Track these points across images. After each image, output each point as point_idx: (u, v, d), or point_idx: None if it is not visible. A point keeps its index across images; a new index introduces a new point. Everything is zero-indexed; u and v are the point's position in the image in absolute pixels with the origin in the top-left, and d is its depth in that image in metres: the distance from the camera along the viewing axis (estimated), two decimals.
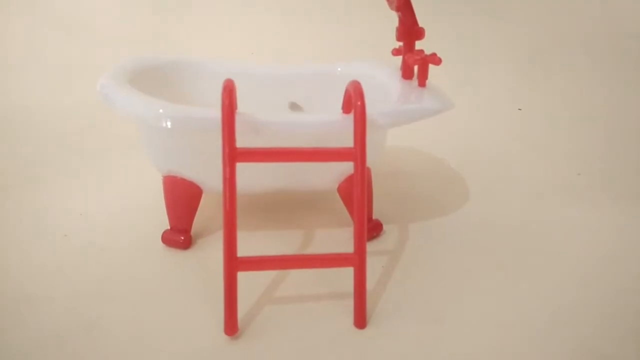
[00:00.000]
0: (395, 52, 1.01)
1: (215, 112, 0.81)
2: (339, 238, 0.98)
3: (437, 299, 0.84)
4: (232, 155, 0.73)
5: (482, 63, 1.80)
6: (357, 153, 0.75)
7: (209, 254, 0.94)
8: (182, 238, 0.93)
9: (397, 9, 0.94)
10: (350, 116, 0.82)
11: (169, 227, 0.96)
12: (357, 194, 0.75)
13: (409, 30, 0.95)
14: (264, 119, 0.82)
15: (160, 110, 0.83)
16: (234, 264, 0.73)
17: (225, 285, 0.74)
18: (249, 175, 0.80)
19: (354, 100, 0.77)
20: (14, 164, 1.22)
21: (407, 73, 0.99)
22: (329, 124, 0.83)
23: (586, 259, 0.94)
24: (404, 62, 0.98)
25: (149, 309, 0.83)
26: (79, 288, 0.87)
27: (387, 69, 1.04)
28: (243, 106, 1.04)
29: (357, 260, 0.75)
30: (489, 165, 1.26)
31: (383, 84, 1.01)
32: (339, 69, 1.11)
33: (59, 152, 1.28)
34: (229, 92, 0.74)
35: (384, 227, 1.00)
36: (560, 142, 1.37)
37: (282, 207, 1.06)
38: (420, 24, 0.95)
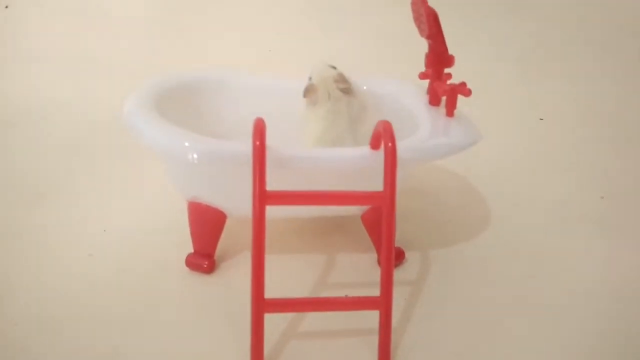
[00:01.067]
0: (423, 76, 0.99)
1: (243, 147, 0.81)
2: (362, 264, 0.98)
3: (460, 335, 0.85)
4: (263, 198, 0.73)
5: (502, 70, 1.77)
6: (387, 197, 0.74)
7: (233, 279, 0.94)
8: (206, 263, 0.94)
9: (428, 37, 0.92)
10: (378, 153, 0.82)
11: (192, 250, 0.97)
12: (385, 239, 0.75)
13: (439, 57, 0.93)
14: (292, 153, 0.82)
15: (186, 144, 0.82)
16: (261, 305, 0.74)
17: (253, 326, 0.74)
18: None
19: (384, 141, 0.76)
20: (33, 174, 1.21)
21: (434, 100, 0.97)
22: (357, 159, 0.83)
23: (606, 295, 0.94)
24: (432, 90, 0.97)
25: (173, 338, 0.84)
26: (103, 312, 0.88)
27: (414, 92, 1.02)
28: (267, 123, 1.04)
29: (384, 304, 0.76)
30: (509, 182, 1.24)
31: (409, 108, 1.00)
32: (364, 87, 1.09)
33: (78, 159, 1.27)
34: (260, 133, 0.74)
35: (406, 253, 1.00)
36: (583, 157, 1.34)
37: (306, 230, 1.05)
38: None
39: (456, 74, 0.97)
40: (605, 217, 1.13)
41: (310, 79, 0.99)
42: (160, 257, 0.98)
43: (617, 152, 1.37)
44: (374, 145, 0.82)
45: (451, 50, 0.94)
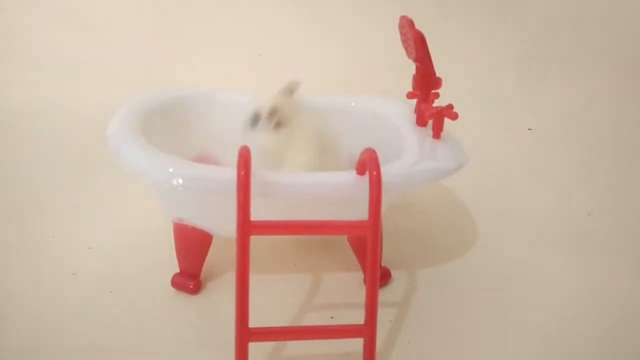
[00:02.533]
0: (410, 95, 0.99)
1: (228, 173, 0.80)
2: (347, 283, 0.98)
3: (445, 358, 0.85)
4: (247, 228, 0.72)
5: (490, 78, 1.76)
6: (371, 227, 0.74)
7: (219, 299, 0.94)
8: (192, 284, 0.94)
9: (416, 60, 0.92)
10: (363, 179, 0.82)
11: (178, 269, 0.96)
12: (370, 267, 0.75)
13: (427, 80, 0.93)
14: (277, 180, 0.81)
15: (171, 170, 0.82)
16: (245, 334, 0.74)
17: (237, 355, 0.75)
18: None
19: (369, 170, 0.76)
20: (13, 187, 1.20)
21: (421, 121, 0.97)
22: (342, 185, 0.82)
23: (594, 314, 0.95)
24: (419, 110, 0.97)
25: None
26: (88, 337, 0.87)
27: (402, 110, 1.02)
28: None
29: (368, 332, 0.76)
30: (496, 196, 1.24)
31: (396, 127, 1.00)
32: (352, 103, 1.08)
33: (60, 172, 1.25)
34: (244, 163, 0.73)
35: (392, 272, 1.00)
36: (570, 170, 1.35)
37: (291, 248, 1.05)
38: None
39: (444, 86, 0.96)
40: (592, 235, 1.13)
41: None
42: (145, 277, 0.98)
43: (605, 166, 1.37)
44: (360, 171, 0.82)
45: (440, 61, 0.93)
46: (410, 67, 0.97)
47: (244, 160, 0.74)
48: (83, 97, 1.56)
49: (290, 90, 0.97)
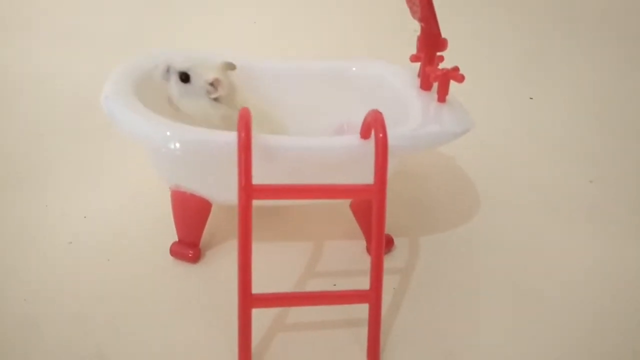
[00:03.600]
0: (414, 58, 0.96)
1: (227, 136, 0.78)
2: (350, 251, 0.96)
3: (449, 328, 0.84)
4: (249, 192, 0.70)
5: (491, 46, 1.73)
6: (378, 191, 0.72)
7: (219, 268, 0.92)
8: (191, 253, 0.91)
9: (421, 19, 0.88)
10: (368, 142, 0.79)
11: (177, 238, 0.94)
12: (375, 232, 0.73)
13: (432, 41, 0.90)
14: (278, 143, 0.79)
15: (168, 133, 0.79)
16: (248, 301, 0.72)
17: (240, 321, 0.73)
18: None
19: (375, 132, 0.73)
20: (5, 155, 1.16)
21: (425, 84, 0.94)
22: (347, 149, 0.80)
23: (595, 282, 0.94)
24: (423, 74, 0.94)
25: (159, 330, 0.82)
26: (87, 307, 0.85)
27: (405, 75, 0.99)
28: (248, 105, 1.00)
29: (373, 298, 0.74)
30: (499, 164, 1.22)
31: (400, 92, 0.97)
32: (353, 68, 1.05)
33: (54, 139, 1.22)
34: (245, 124, 0.70)
35: (395, 240, 0.99)
36: (572, 138, 1.33)
37: (291, 216, 1.03)
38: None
39: (446, 53, 0.94)
40: (594, 202, 1.12)
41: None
42: (143, 246, 0.95)
43: (608, 134, 1.35)
44: (364, 134, 0.80)
45: (441, 28, 0.90)
46: (411, 33, 0.94)
47: (245, 122, 0.71)
48: (75, 63, 1.52)
49: (227, 69, 0.94)
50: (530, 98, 1.49)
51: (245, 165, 0.69)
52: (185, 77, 0.89)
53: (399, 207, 1.07)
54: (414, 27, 0.94)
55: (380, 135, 0.73)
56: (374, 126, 0.74)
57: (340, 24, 1.79)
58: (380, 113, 0.75)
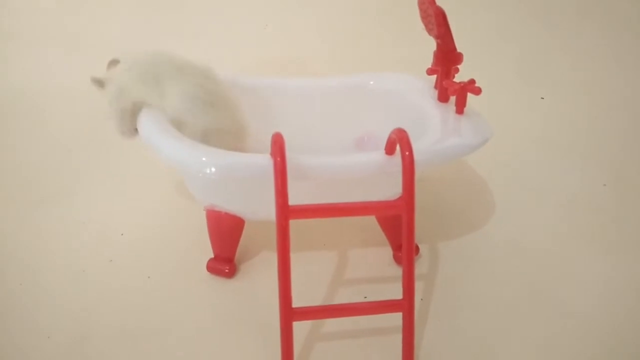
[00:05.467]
0: (430, 71, 1.00)
1: (261, 160, 0.82)
2: (377, 259, 1.01)
3: (477, 333, 0.88)
4: (286, 213, 0.74)
5: (502, 47, 1.76)
6: (407, 206, 0.77)
7: (254, 281, 0.97)
8: (227, 268, 0.96)
9: (437, 36, 0.92)
10: (392, 158, 0.84)
11: (212, 255, 0.98)
12: (406, 245, 0.77)
13: (448, 55, 0.94)
14: (308, 162, 0.83)
15: (204, 159, 0.83)
16: (289, 314, 0.77)
17: (282, 334, 0.78)
18: (295, 203, 0.80)
19: (402, 151, 0.77)
20: (36, 171, 1.21)
21: (443, 97, 0.98)
22: (372, 165, 0.84)
23: (617, 289, 0.97)
24: (440, 86, 0.98)
25: (203, 345, 0.86)
26: (131, 322, 0.90)
27: (422, 87, 1.03)
28: (272, 122, 1.04)
29: (407, 307, 0.79)
30: (511, 166, 1.26)
31: (418, 104, 1.01)
32: (371, 82, 1.09)
33: (83, 154, 1.26)
34: (280, 149, 0.75)
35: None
36: (584, 140, 1.35)
37: (318, 226, 1.07)
38: None
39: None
40: (608, 206, 1.15)
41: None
42: (180, 262, 1.00)
43: (621, 136, 1.37)
44: (389, 150, 0.84)
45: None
46: (423, 40, 0.97)
47: (279, 146, 0.75)
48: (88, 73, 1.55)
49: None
50: (542, 98, 1.52)
51: (281, 188, 0.74)
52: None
53: (416, 212, 1.10)
54: (430, 38, 0.98)
55: (407, 153, 0.77)
56: (400, 145, 0.78)
57: (349, 30, 1.83)
58: (405, 131, 0.79)
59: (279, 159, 0.75)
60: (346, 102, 1.09)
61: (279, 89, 1.08)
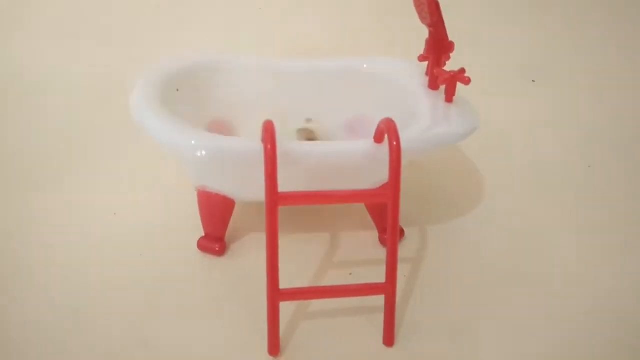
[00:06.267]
0: (422, 58, 1.01)
1: (251, 144, 0.84)
2: (364, 242, 1.03)
3: (460, 311, 0.92)
4: (275, 199, 0.77)
5: (494, 29, 1.75)
6: (392, 195, 0.79)
7: (243, 259, 1.00)
8: (217, 247, 0.99)
9: (430, 25, 0.93)
10: (381, 146, 0.85)
11: (203, 234, 1.01)
12: (390, 232, 0.80)
13: (439, 45, 0.95)
14: (298, 149, 0.85)
15: (193, 142, 0.85)
16: (276, 295, 0.80)
17: (269, 314, 0.81)
18: (285, 188, 0.82)
19: (389, 140, 0.79)
20: (33, 154, 1.22)
21: (433, 85, 0.99)
22: (361, 153, 0.86)
23: (599, 266, 1.01)
24: (431, 74, 0.99)
25: (194, 320, 0.90)
26: (125, 299, 0.92)
27: (415, 73, 1.04)
28: (269, 102, 1.05)
29: (389, 290, 0.82)
30: (500, 150, 1.28)
31: (409, 90, 1.02)
32: (365, 65, 1.10)
33: (76, 137, 1.27)
34: (271, 136, 0.76)
35: (405, 229, 1.06)
36: (573, 122, 1.38)
37: (306, 209, 1.09)
38: None
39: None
40: (592, 187, 1.18)
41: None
42: (172, 241, 1.02)
43: (607, 118, 1.39)
44: (378, 139, 0.86)
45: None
46: (420, 24, 0.98)
47: (271, 134, 0.77)
48: (84, 58, 1.55)
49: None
50: (533, 81, 1.53)
51: (271, 175, 0.76)
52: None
53: (406, 197, 1.12)
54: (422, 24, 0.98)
55: (394, 143, 0.79)
56: (388, 134, 0.80)
57: (347, 17, 1.81)
58: (394, 122, 0.81)
59: (269, 146, 0.76)
60: (339, 84, 1.10)
61: (271, 69, 1.09)
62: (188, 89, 1.03)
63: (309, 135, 1.06)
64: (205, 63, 1.06)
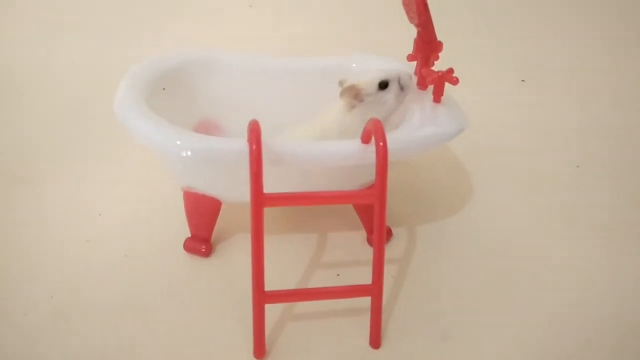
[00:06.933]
0: (411, 58, 1.00)
1: (237, 144, 0.83)
2: (352, 242, 1.03)
3: (445, 312, 0.92)
4: (260, 201, 0.76)
5: (482, 29, 1.75)
6: (378, 195, 0.78)
7: (230, 260, 0.99)
8: (204, 248, 0.98)
9: (418, 25, 0.92)
10: (368, 147, 0.85)
11: (189, 234, 1.00)
12: (377, 233, 0.79)
13: (428, 45, 0.94)
14: (286, 149, 0.84)
15: (178, 142, 0.83)
16: (262, 298, 0.79)
17: (254, 316, 0.80)
18: (272, 189, 0.82)
19: (376, 140, 0.78)
20: (17, 151, 1.21)
21: (421, 84, 0.99)
22: (348, 153, 0.85)
23: (587, 265, 1.01)
24: (420, 75, 0.98)
25: (180, 321, 0.89)
26: (109, 300, 0.91)
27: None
28: (257, 101, 1.04)
29: (375, 291, 0.82)
30: (489, 149, 1.28)
31: None
32: (353, 64, 1.10)
33: (61, 137, 1.26)
34: (256, 136, 0.75)
35: (393, 230, 1.05)
36: (561, 122, 1.38)
37: (294, 210, 1.09)
38: None
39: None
40: (580, 187, 1.19)
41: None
42: (158, 241, 1.01)
43: (595, 118, 1.40)
44: (365, 139, 0.85)
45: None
46: (405, 22, 0.97)
47: (256, 134, 0.76)
48: (71, 55, 1.54)
49: None
50: (522, 80, 1.53)
51: (256, 176, 0.75)
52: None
53: (393, 197, 1.12)
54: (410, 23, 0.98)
55: (381, 143, 0.78)
56: (374, 135, 0.79)
57: (337, 16, 1.80)
58: (380, 122, 0.80)
59: (254, 147, 0.76)
60: (328, 83, 1.10)
61: (259, 68, 1.08)
62: (174, 88, 1.02)
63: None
64: (193, 61, 1.05)
